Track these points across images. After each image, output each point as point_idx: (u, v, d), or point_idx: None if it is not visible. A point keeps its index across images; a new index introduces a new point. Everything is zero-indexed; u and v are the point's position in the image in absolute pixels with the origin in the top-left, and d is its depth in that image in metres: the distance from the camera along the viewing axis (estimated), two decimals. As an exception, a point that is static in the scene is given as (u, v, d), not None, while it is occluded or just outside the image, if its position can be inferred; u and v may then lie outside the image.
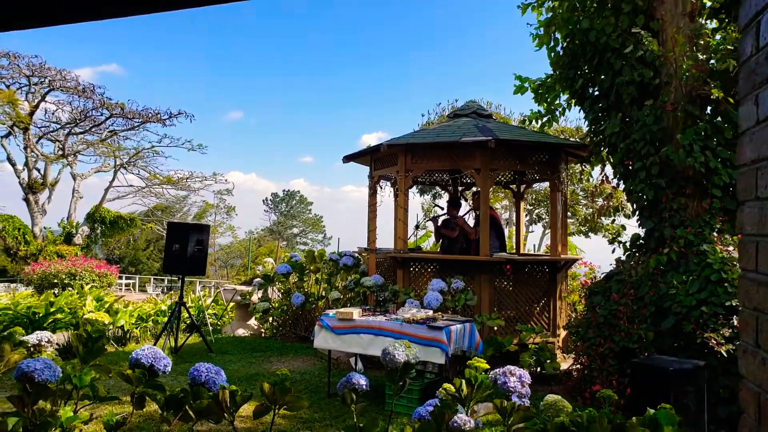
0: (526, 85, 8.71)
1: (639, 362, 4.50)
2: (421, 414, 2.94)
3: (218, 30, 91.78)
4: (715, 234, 6.05)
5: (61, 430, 2.66)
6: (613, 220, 7.76)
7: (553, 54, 8.00)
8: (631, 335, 5.82)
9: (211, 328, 10.10)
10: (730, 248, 5.83)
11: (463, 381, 2.99)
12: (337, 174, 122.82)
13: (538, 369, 7.16)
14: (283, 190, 66.86)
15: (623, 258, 7.02)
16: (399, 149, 8.33)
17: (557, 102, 8.54)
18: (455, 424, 2.65)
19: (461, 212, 9.36)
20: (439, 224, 9.42)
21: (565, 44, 7.69)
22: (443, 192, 14.04)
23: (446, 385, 3.08)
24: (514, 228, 13.31)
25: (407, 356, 2.92)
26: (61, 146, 27.39)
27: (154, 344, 7.92)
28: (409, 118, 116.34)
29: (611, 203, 8.65)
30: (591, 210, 21.35)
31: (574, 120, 24.35)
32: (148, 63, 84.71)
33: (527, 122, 9.50)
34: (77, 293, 11.36)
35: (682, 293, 5.67)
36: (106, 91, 35.86)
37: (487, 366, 3.15)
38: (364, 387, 2.88)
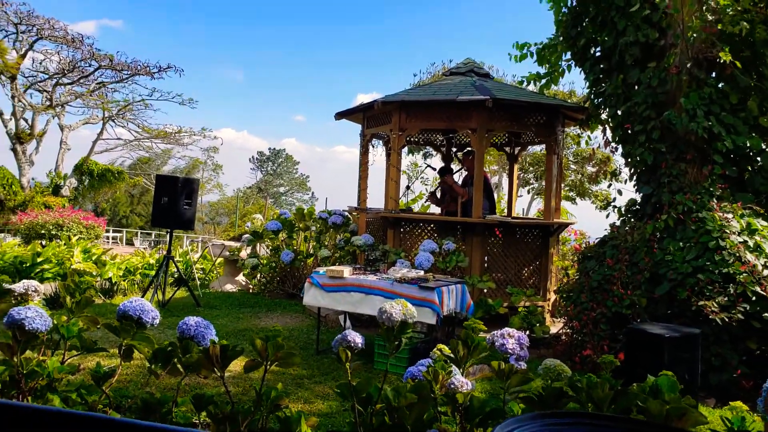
0: (525, 51, 8.47)
1: (634, 328, 4.46)
2: (414, 373, 2.87)
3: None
4: (714, 201, 5.97)
5: (49, 380, 2.58)
6: (610, 185, 7.66)
7: (560, 14, 7.74)
8: (624, 301, 5.78)
9: (198, 282, 10.02)
10: (729, 216, 5.76)
11: (460, 342, 2.92)
12: (329, 134, 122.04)
13: (527, 332, 7.16)
14: (269, 149, 66.45)
15: (618, 223, 6.95)
16: (393, 107, 8.14)
17: (559, 63, 8.32)
18: (452, 386, 2.58)
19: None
20: (438, 197, 9.29)
21: (572, 3, 7.44)
22: (434, 152, 13.87)
23: (441, 346, 3.01)
24: (505, 191, 13.21)
25: (404, 315, 2.84)
26: (48, 97, 26.82)
27: (142, 297, 7.84)
28: (406, 79, 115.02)
29: (607, 168, 8.55)
30: (581, 175, 21.34)
31: (567, 83, 24.02)
32: (152, 20, 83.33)
33: (524, 83, 9.30)
34: (65, 244, 11.18)
35: (678, 260, 5.62)
36: (96, 42, 35.08)
37: (485, 327, 3.08)
38: (360, 345, 2.81)
